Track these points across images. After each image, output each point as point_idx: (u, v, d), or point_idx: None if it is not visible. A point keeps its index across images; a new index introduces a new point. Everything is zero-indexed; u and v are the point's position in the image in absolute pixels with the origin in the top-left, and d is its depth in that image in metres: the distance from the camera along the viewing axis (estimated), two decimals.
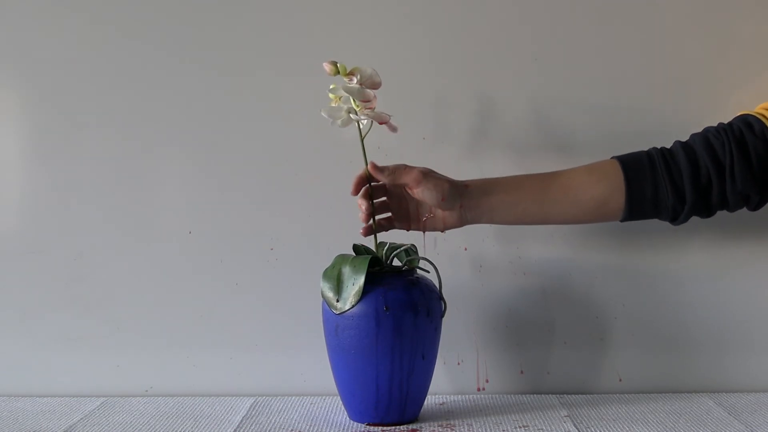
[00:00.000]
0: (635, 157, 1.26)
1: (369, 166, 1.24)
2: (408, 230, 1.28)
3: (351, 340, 1.21)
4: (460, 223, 1.26)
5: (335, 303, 1.21)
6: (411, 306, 1.21)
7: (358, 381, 1.22)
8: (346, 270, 1.22)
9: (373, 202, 1.25)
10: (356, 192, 1.25)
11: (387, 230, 1.28)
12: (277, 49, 1.40)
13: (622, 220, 1.26)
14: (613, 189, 1.24)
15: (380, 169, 1.24)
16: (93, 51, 1.42)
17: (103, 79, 1.41)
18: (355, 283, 1.20)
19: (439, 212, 1.25)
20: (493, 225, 1.38)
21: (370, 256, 1.22)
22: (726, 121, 1.27)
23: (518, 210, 1.25)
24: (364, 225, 1.26)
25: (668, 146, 1.26)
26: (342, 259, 1.24)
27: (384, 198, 1.28)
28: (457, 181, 1.25)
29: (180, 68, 1.41)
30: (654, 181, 1.23)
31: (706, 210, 1.25)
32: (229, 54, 1.41)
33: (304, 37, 1.40)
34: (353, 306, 1.20)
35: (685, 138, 1.28)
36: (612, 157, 1.27)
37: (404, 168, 1.24)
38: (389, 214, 1.28)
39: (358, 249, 1.28)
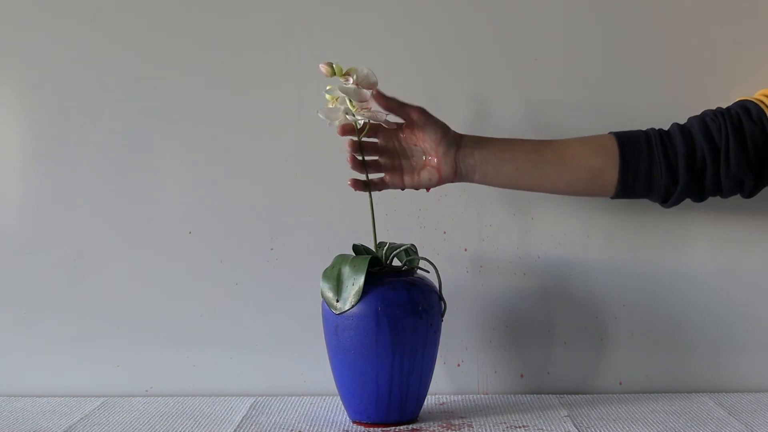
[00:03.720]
0: (632, 134, 1.26)
1: (373, 93, 1.22)
2: (402, 188, 1.27)
3: (351, 340, 1.21)
4: (454, 174, 1.24)
5: (335, 303, 1.21)
6: (411, 306, 1.21)
7: (358, 381, 1.22)
8: (346, 270, 1.22)
9: (363, 158, 1.24)
10: (343, 132, 1.23)
11: (380, 190, 1.27)
12: (276, 49, 1.40)
13: (613, 197, 1.26)
14: (608, 162, 1.24)
15: (385, 96, 1.23)
16: (93, 51, 1.42)
17: (103, 79, 1.41)
18: (354, 283, 1.20)
19: (434, 160, 1.24)
20: (493, 225, 1.39)
21: (370, 256, 1.22)
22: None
23: (511, 168, 1.25)
24: (355, 178, 1.24)
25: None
26: (342, 259, 1.24)
27: (376, 157, 1.27)
28: (453, 130, 1.26)
29: (180, 68, 1.41)
30: (649, 159, 1.24)
31: (698, 193, 1.25)
32: (228, 54, 1.41)
33: (303, 38, 1.40)
34: (353, 306, 1.20)
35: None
36: (609, 132, 1.28)
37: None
38: (382, 174, 1.27)
39: (358, 249, 1.28)
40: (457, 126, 1.39)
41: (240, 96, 1.41)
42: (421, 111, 1.24)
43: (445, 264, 1.35)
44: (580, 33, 1.40)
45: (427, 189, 1.27)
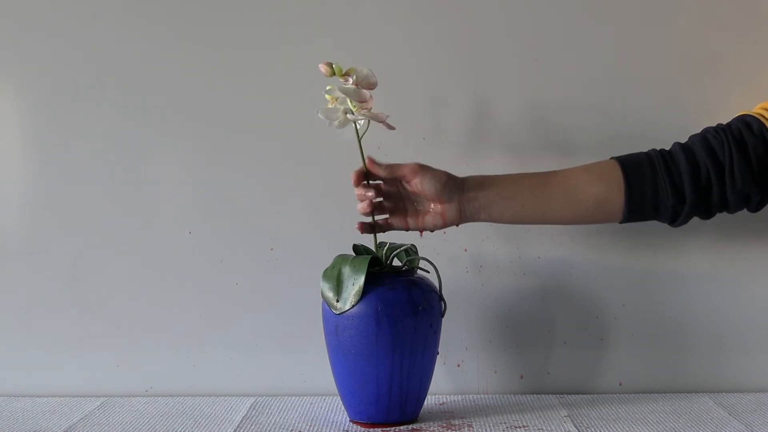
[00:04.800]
0: (634, 157, 1.25)
1: (366, 162, 1.24)
2: (407, 230, 1.27)
3: (351, 340, 1.21)
4: (459, 218, 1.24)
5: (335, 303, 1.21)
6: (411, 306, 1.21)
7: (358, 381, 1.22)
8: (346, 270, 1.22)
9: (373, 212, 1.25)
10: (357, 183, 1.24)
11: (384, 231, 1.27)
12: (276, 49, 1.40)
13: (621, 222, 1.26)
14: (613, 189, 1.24)
15: (377, 164, 1.23)
16: (93, 51, 1.42)
17: (103, 80, 1.41)
18: (355, 283, 1.20)
19: (438, 207, 1.24)
20: (493, 225, 1.38)
21: (370, 256, 1.22)
22: (725, 122, 1.27)
23: (516, 206, 1.24)
24: (362, 221, 1.25)
25: (667, 148, 1.26)
26: (342, 259, 1.24)
27: (380, 199, 1.27)
28: (455, 176, 1.25)
29: (180, 69, 1.41)
30: (654, 182, 1.23)
31: (706, 211, 1.25)
32: (228, 54, 1.41)
33: (303, 38, 1.40)
34: (353, 306, 1.20)
35: (683, 139, 1.27)
36: (611, 158, 1.26)
37: (400, 164, 1.24)
38: (386, 215, 1.27)
39: (358, 249, 1.28)
40: (458, 126, 1.40)
41: (240, 96, 1.41)
42: (416, 169, 1.23)
43: (445, 264, 1.35)
44: (580, 33, 1.40)
45: (432, 231, 1.27)
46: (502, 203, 1.24)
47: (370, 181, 1.25)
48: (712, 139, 1.24)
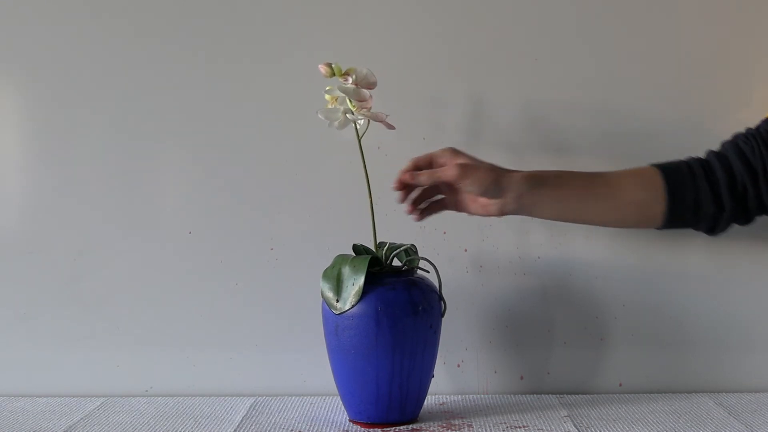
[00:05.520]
0: (676, 165, 1.26)
1: (406, 178, 1.23)
2: (455, 210, 1.28)
3: (351, 340, 1.21)
4: (500, 213, 1.24)
5: (335, 303, 1.21)
6: (411, 306, 1.21)
7: (358, 381, 1.22)
8: (346, 270, 1.22)
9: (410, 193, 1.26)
10: (399, 187, 1.24)
11: (431, 214, 1.28)
12: (276, 49, 1.40)
13: (660, 228, 1.26)
14: (655, 195, 1.24)
15: (416, 178, 1.23)
16: (93, 51, 1.42)
17: (103, 79, 1.41)
18: (354, 283, 1.20)
19: (482, 199, 1.24)
20: (493, 225, 1.38)
21: (369, 256, 1.22)
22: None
23: (561, 206, 1.24)
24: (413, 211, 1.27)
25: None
26: (342, 259, 1.24)
27: (441, 196, 1.28)
28: (502, 171, 1.23)
29: (180, 69, 1.41)
30: (695, 189, 1.23)
31: (744, 216, 1.25)
32: (228, 55, 1.41)
33: (303, 38, 1.40)
34: (353, 306, 1.20)
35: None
36: (650, 165, 1.27)
37: (449, 159, 1.23)
38: (442, 196, 1.28)
39: (358, 249, 1.28)
40: (457, 126, 1.40)
41: (240, 96, 1.41)
42: (458, 175, 1.21)
43: (445, 264, 1.35)
44: (580, 33, 1.40)
45: (477, 215, 1.27)
46: (547, 202, 1.24)
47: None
48: (744, 145, 1.24)
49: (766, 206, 1.24)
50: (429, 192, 1.28)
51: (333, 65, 1.21)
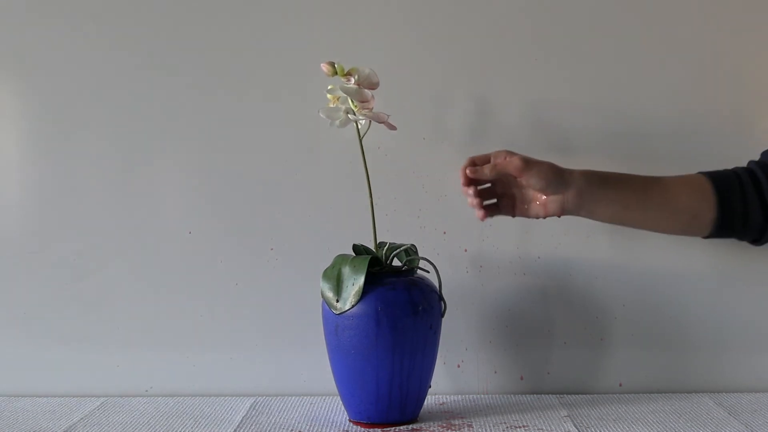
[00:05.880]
0: (724, 174, 1.26)
1: (468, 172, 1.23)
2: (513, 216, 1.28)
3: (351, 340, 1.21)
4: (561, 211, 1.24)
5: (335, 303, 1.21)
6: (411, 306, 1.21)
7: (358, 381, 1.22)
8: (346, 270, 1.22)
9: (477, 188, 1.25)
10: (466, 183, 1.25)
11: (493, 216, 1.28)
12: (277, 49, 1.40)
13: (707, 236, 1.26)
14: (706, 203, 1.24)
15: (479, 171, 1.23)
16: (93, 51, 1.42)
17: (102, 79, 1.41)
18: (354, 283, 1.20)
19: (543, 198, 1.24)
20: (493, 225, 1.39)
21: (369, 256, 1.22)
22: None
23: (619, 208, 1.24)
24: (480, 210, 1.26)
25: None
26: (342, 259, 1.24)
27: (489, 185, 1.27)
28: (563, 168, 1.24)
29: (180, 68, 1.41)
30: (743, 199, 1.23)
31: None
32: (228, 54, 1.41)
33: (303, 38, 1.40)
34: (353, 306, 1.20)
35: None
36: (699, 173, 1.27)
37: (504, 158, 1.23)
38: (495, 200, 1.28)
39: (358, 249, 1.28)
40: (458, 126, 1.40)
41: (240, 96, 1.41)
42: (521, 167, 1.22)
43: (445, 264, 1.35)
44: (580, 33, 1.40)
45: (534, 218, 1.27)
46: (606, 203, 1.24)
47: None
48: None
49: None
50: (484, 195, 1.27)
51: (336, 65, 1.21)
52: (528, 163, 1.22)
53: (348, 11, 1.40)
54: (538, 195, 1.25)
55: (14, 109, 1.43)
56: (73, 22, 1.42)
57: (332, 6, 1.40)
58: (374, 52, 1.39)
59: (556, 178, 1.22)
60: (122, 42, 1.41)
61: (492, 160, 1.25)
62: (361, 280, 1.20)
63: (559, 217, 1.26)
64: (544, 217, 1.26)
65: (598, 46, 1.40)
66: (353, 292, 1.20)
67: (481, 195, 1.26)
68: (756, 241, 1.27)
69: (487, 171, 1.23)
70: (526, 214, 1.27)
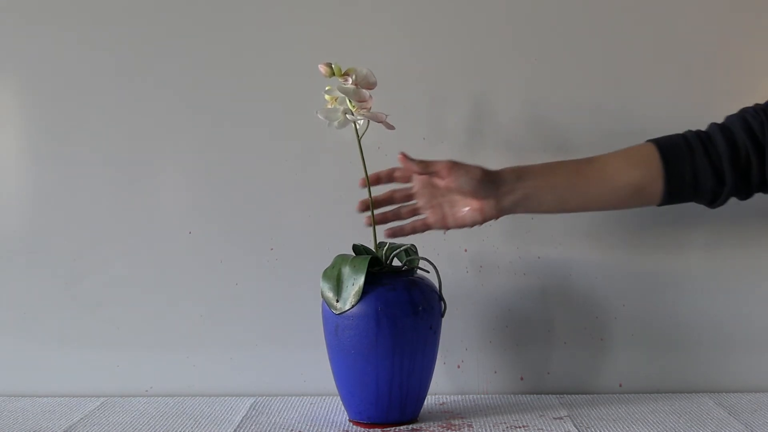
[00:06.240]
0: (672, 140, 1.23)
1: (399, 157, 1.22)
2: (446, 229, 1.26)
3: (351, 340, 1.21)
4: (498, 212, 1.23)
5: (335, 303, 1.21)
6: (411, 306, 1.21)
7: (358, 381, 1.22)
8: (346, 270, 1.22)
9: (372, 203, 1.24)
10: (361, 209, 1.24)
11: (423, 232, 1.26)
12: (276, 49, 1.40)
13: (659, 205, 1.24)
14: (652, 173, 1.21)
15: (410, 159, 1.22)
16: (92, 51, 1.42)
17: (103, 79, 1.41)
18: (354, 283, 1.20)
19: (476, 203, 1.23)
20: (493, 225, 1.38)
21: (369, 256, 1.22)
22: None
23: (554, 195, 1.23)
24: (387, 230, 1.25)
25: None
26: (342, 259, 1.24)
27: (414, 201, 1.26)
28: (490, 170, 1.23)
29: (180, 69, 1.41)
30: (693, 164, 1.21)
31: (745, 191, 1.23)
32: (228, 54, 1.41)
33: (303, 37, 1.40)
34: (353, 306, 1.20)
35: None
36: (647, 141, 1.25)
37: (434, 160, 1.23)
38: (424, 216, 1.26)
39: (358, 249, 1.28)
40: (458, 126, 1.40)
41: (240, 96, 1.41)
42: (450, 166, 1.21)
43: (445, 264, 1.35)
44: (580, 33, 1.40)
45: (471, 227, 1.25)
46: (540, 194, 1.22)
47: (399, 188, 1.25)
48: (751, 119, 1.21)
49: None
50: (419, 198, 1.26)
51: (333, 65, 1.21)
52: (457, 165, 1.21)
53: (347, 11, 1.40)
54: (470, 200, 1.23)
55: (14, 109, 1.43)
56: (73, 22, 1.42)
57: (332, 5, 1.40)
58: (373, 52, 1.39)
59: (485, 176, 1.21)
60: (122, 42, 1.41)
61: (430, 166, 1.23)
62: (361, 280, 1.20)
63: (496, 219, 1.24)
64: (482, 223, 1.24)
65: (598, 45, 1.40)
66: (353, 292, 1.20)
67: (402, 212, 1.25)
68: (712, 203, 1.24)
69: (415, 164, 1.21)
70: (461, 223, 1.24)
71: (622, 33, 1.40)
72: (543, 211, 1.26)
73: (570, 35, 1.40)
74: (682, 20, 1.40)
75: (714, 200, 1.23)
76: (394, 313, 1.20)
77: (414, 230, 1.25)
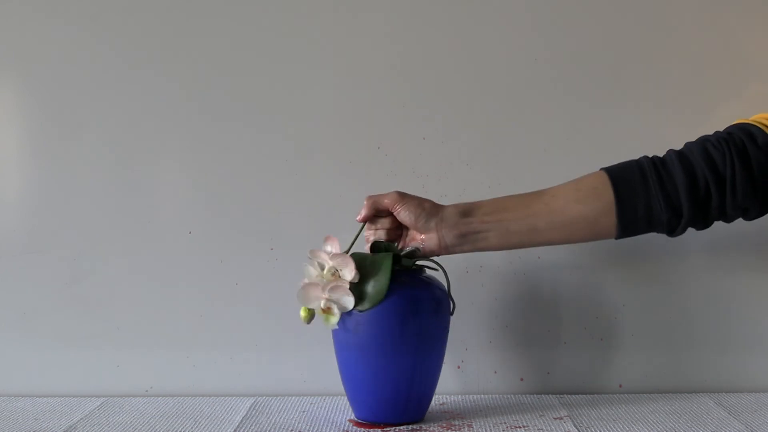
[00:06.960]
0: (625, 170, 1.18)
1: (359, 217, 1.23)
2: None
3: (373, 339, 1.18)
4: (439, 248, 1.21)
5: (358, 301, 1.19)
6: (434, 303, 1.20)
7: (379, 380, 1.20)
8: (368, 268, 1.20)
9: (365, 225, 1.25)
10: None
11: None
12: (277, 49, 1.40)
13: (617, 238, 1.20)
14: (603, 206, 1.17)
15: (364, 211, 1.22)
16: (93, 51, 1.42)
17: (102, 79, 1.41)
18: (380, 280, 1.19)
19: (419, 236, 1.22)
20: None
21: (392, 254, 1.20)
22: (720, 127, 1.22)
23: (501, 233, 1.19)
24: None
25: (666, 149, 1.20)
26: (361, 257, 1.21)
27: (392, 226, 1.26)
28: (437, 204, 1.22)
29: (180, 68, 1.41)
30: (646, 197, 1.16)
31: (703, 222, 1.19)
32: (228, 54, 1.41)
33: (304, 37, 1.40)
34: (376, 304, 1.18)
35: (681, 141, 1.23)
36: (601, 169, 1.20)
37: (383, 195, 1.22)
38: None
39: (378, 246, 1.25)
40: (458, 126, 1.40)
41: (240, 96, 1.41)
42: (396, 199, 1.20)
43: (445, 264, 1.34)
44: (580, 33, 1.40)
45: (430, 257, 1.24)
46: (486, 231, 1.20)
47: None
48: (713, 149, 1.16)
49: (728, 215, 1.18)
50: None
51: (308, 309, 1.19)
52: (403, 197, 1.20)
53: (349, 9, 1.40)
54: (417, 235, 1.22)
55: (14, 108, 1.43)
56: (73, 22, 1.42)
57: (333, 5, 1.40)
58: (375, 51, 1.40)
59: (424, 212, 1.19)
60: (122, 42, 1.41)
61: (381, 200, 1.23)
62: (388, 276, 1.18)
63: (439, 255, 1.22)
64: (425, 257, 1.22)
65: (598, 45, 1.40)
66: (378, 289, 1.18)
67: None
68: (671, 233, 1.19)
69: (365, 209, 1.22)
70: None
71: (623, 33, 1.40)
72: (492, 248, 1.22)
73: (570, 35, 1.40)
74: (683, 20, 1.40)
75: (672, 231, 1.19)
76: (418, 310, 1.19)
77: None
